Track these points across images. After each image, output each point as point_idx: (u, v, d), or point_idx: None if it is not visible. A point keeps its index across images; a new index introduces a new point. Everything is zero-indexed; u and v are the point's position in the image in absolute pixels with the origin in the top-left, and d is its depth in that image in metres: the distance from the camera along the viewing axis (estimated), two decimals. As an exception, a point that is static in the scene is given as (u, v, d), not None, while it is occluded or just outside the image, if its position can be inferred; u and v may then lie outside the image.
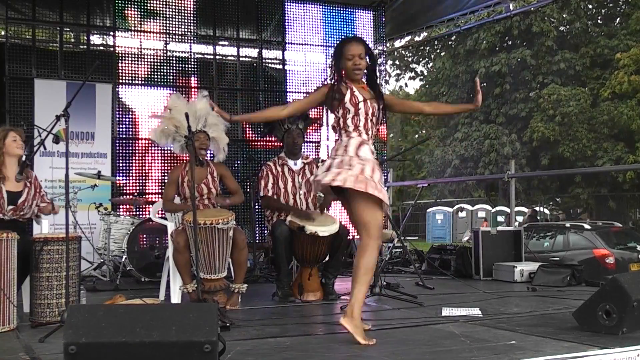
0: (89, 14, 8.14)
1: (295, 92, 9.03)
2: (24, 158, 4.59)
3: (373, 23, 9.53)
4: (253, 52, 9.05)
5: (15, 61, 7.64)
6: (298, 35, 9.08)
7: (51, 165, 7.18)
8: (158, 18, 8.38)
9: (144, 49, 8.37)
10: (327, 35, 9.24)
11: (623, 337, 3.31)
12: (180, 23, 8.46)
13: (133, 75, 8.16)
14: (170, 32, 8.41)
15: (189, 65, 8.58)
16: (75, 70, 7.81)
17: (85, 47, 8.32)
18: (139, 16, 8.26)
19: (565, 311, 4.19)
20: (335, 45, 3.77)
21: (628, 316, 3.35)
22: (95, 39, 8.54)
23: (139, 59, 8.27)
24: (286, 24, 9.00)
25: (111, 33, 8.19)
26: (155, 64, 8.36)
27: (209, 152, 5.22)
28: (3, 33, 8.03)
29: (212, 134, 5.05)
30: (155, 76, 8.29)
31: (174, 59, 8.55)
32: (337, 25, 9.30)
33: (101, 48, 8.51)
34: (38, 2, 7.79)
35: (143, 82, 8.22)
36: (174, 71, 8.45)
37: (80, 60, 7.97)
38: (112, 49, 8.17)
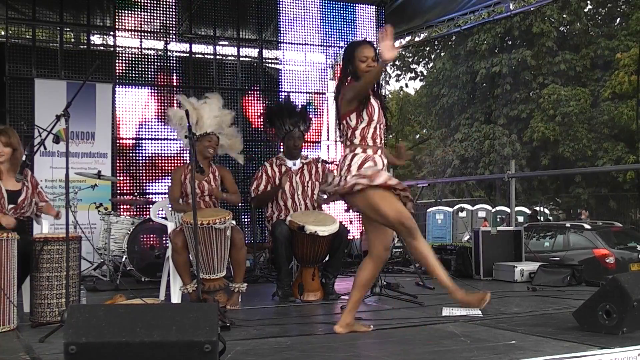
0: (89, 14, 8.15)
1: (290, 91, 9.00)
2: (24, 158, 4.59)
3: (376, 19, 9.45)
4: (253, 52, 9.05)
5: (15, 61, 7.65)
6: (298, 35, 9.05)
7: (51, 165, 7.18)
8: (157, 18, 8.39)
9: (144, 49, 8.38)
10: (327, 35, 9.23)
11: (623, 337, 3.31)
12: (179, 23, 8.46)
13: (132, 75, 8.17)
14: (170, 32, 8.41)
15: (188, 65, 8.58)
16: (76, 70, 7.82)
17: (85, 47, 8.34)
18: (138, 16, 8.28)
19: (565, 311, 4.19)
20: (345, 48, 3.75)
21: (628, 316, 3.35)
22: (96, 39, 8.55)
23: (139, 59, 8.28)
24: (282, 22, 8.93)
25: (111, 33, 8.20)
26: (154, 63, 8.37)
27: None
28: (3, 33, 8.04)
29: (222, 141, 5.06)
30: (155, 76, 8.30)
31: (173, 59, 8.56)
32: (338, 24, 9.25)
33: (101, 48, 8.52)
34: (38, 2, 7.80)
35: (142, 82, 8.23)
36: (173, 71, 8.46)
37: (80, 60, 7.98)
38: (112, 48, 8.18)
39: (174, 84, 8.43)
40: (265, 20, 8.98)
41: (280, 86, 9.02)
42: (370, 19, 9.43)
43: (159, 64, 8.39)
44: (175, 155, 8.24)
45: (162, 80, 8.37)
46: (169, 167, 8.13)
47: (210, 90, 8.32)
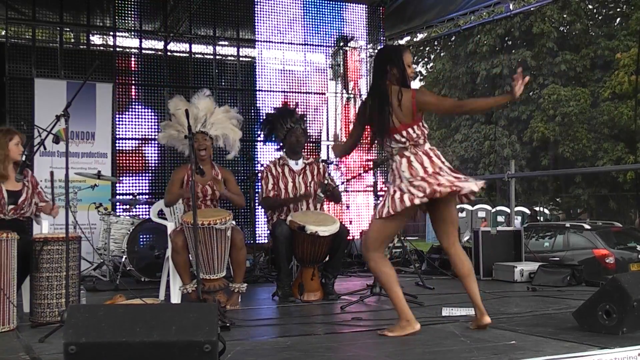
0: (89, 14, 8.15)
1: (289, 91, 8.97)
2: (23, 158, 4.60)
3: (367, 19, 9.35)
4: (253, 52, 9.02)
5: (15, 61, 7.65)
6: (298, 35, 9.00)
7: (51, 165, 7.14)
8: (157, 18, 8.38)
9: (144, 49, 8.38)
10: (326, 35, 9.20)
11: (623, 337, 3.31)
12: (179, 22, 8.46)
13: (133, 74, 8.17)
14: (170, 31, 8.41)
15: (188, 65, 8.57)
16: (75, 70, 7.81)
17: (85, 47, 8.33)
18: (138, 16, 8.29)
19: (565, 311, 4.19)
20: (390, 50, 3.89)
21: (628, 316, 3.35)
22: (96, 39, 8.55)
23: (139, 59, 8.28)
24: (281, 22, 8.84)
25: (111, 33, 8.20)
26: (154, 63, 8.37)
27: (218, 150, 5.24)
28: (3, 33, 8.04)
29: (215, 132, 5.02)
30: (155, 76, 8.29)
31: (174, 58, 8.55)
32: (337, 23, 9.20)
33: (101, 48, 8.52)
34: (38, 2, 7.79)
35: (143, 82, 8.23)
36: (173, 71, 8.45)
37: (80, 59, 7.97)
38: (112, 49, 8.18)
39: (173, 83, 8.41)
40: (263, 20, 8.92)
41: (277, 86, 8.95)
42: (363, 16, 9.32)
43: (158, 63, 8.39)
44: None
45: (162, 80, 8.36)
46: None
47: (210, 91, 8.40)
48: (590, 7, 23.75)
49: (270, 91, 8.80)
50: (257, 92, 8.78)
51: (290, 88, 8.92)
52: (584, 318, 3.56)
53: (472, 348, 3.15)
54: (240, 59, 8.93)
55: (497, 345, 3.22)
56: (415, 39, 11.13)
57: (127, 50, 8.38)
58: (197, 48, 8.81)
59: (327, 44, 9.21)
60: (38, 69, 7.68)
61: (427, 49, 26.08)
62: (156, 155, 8.20)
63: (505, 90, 3.70)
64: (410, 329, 3.49)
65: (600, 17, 24.03)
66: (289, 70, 8.96)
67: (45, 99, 7.28)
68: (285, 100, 8.52)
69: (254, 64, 8.87)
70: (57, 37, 7.94)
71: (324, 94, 9.21)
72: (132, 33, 8.32)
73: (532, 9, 11.08)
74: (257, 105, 8.74)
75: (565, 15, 22.52)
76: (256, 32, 8.81)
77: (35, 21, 7.79)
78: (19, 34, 8.01)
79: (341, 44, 9.26)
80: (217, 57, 8.76)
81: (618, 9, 23.48)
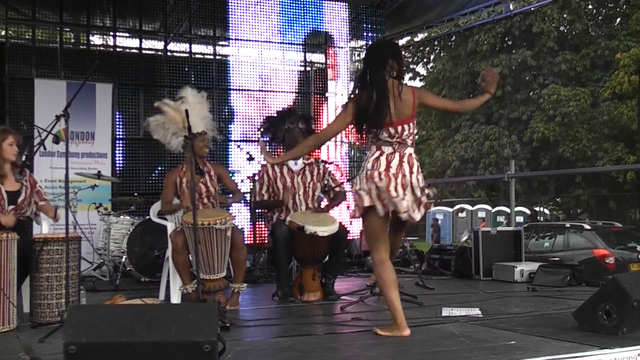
0: (89, 14, 8.15)
1: (289, 91, 8.96)
2: (23, 158, 4.60)
3: (349, 17, 9.24)
4: (253, 52, 9.00)
5: (15, 61, 7.65)
6: (298, 36, 9.01)
7: (51, 165, 7.16)
8: (157, 18, 8.37)
9: (144, 49, 8.38)
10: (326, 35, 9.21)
11: (623, 337, 3.31)
12: (178, 22, 8.45)
13: (133, 75, 8.17)
14: (170, 31, 8.41)
15: (188, 65, 8.56)
16: (75, 70, 7.81)
17: (85, 47, 8.33)
18: (138, 16, 8.28)
19: (565, 311, 4.19)
20: (389, 46, 3.87)
21: (628, 316, 3.35)
22: (96, 39, 8.55)
23: (139, 59, 8.27)
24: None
25: (111, 33, 8.20)
26: (154, 63, 8.36)
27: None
28: (3, 33, 8.03)
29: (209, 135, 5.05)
30: (154, 76, 8.28)
31: (173, 59, 8.55)
32: (335, 22, 9.19)
33: (101, 48, 8.52)
34: (38, 2, 7.79)
35: (143, 82, 8.23)
36: (173, 71, 8.44)
37: (80, 60, 7.97)
38: (112, 49, 8.17)
39: (173, 84, 8.39)
40: (257, 20, 8.87)
41: (275, 85, 8.93)
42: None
43: (157, 64, 8.38)
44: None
45: (162, 80, 8.35)
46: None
47: (209, 90, 8.37)
48: (590, 7, 23.75)
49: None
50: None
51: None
52: (584, 318, 3.56)
53: (472, 348, 3.15)
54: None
55: (497, 345, 3.23)
56: (415, 39, 11.13)
57: (127, 50, 8.37)
58: (197, 48, 8.80)
59: (317, 43, 9.20)
60: (38, 69, 7.67)
61: (427, 49, 26.06)
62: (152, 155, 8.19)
63: (480, 87, 3.63)
64: (398, 332, 3.47)
65: (600, 17, 24.04)
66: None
67: (45, 99, 7.27)
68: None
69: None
70: (57, 37, 7.94)
71: (321, 94, 9.21)
72: (132, 33, 8.31)
73: (532, 9, 11.07)
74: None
75: (565, 15, 22.51)
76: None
77: (35, 21, 7.79)
78: (19, 34, 8.00)
79: (325, 42, 9.24)
80: (217, 57, 8.74)
81: (618, 9, 23.49)
